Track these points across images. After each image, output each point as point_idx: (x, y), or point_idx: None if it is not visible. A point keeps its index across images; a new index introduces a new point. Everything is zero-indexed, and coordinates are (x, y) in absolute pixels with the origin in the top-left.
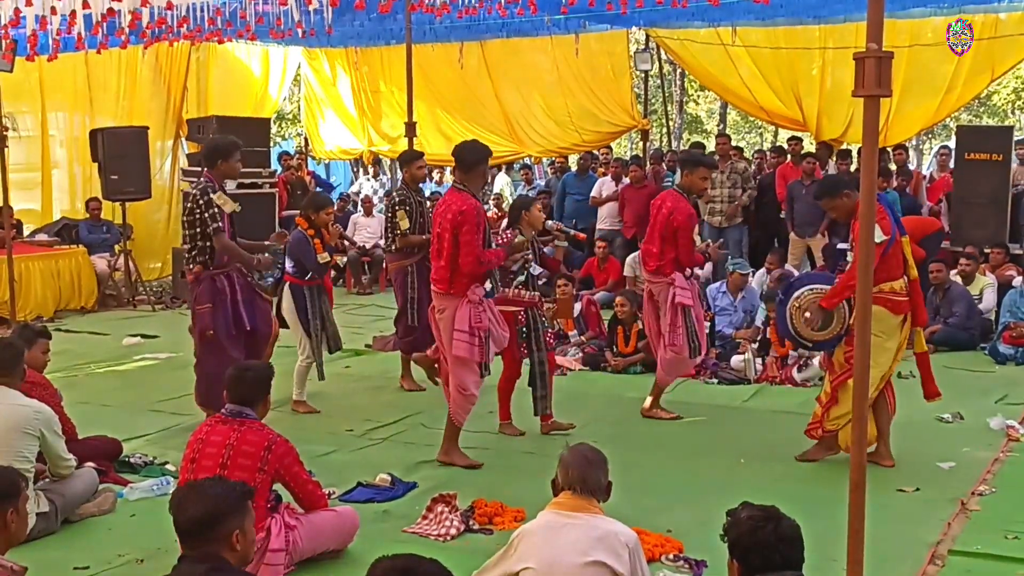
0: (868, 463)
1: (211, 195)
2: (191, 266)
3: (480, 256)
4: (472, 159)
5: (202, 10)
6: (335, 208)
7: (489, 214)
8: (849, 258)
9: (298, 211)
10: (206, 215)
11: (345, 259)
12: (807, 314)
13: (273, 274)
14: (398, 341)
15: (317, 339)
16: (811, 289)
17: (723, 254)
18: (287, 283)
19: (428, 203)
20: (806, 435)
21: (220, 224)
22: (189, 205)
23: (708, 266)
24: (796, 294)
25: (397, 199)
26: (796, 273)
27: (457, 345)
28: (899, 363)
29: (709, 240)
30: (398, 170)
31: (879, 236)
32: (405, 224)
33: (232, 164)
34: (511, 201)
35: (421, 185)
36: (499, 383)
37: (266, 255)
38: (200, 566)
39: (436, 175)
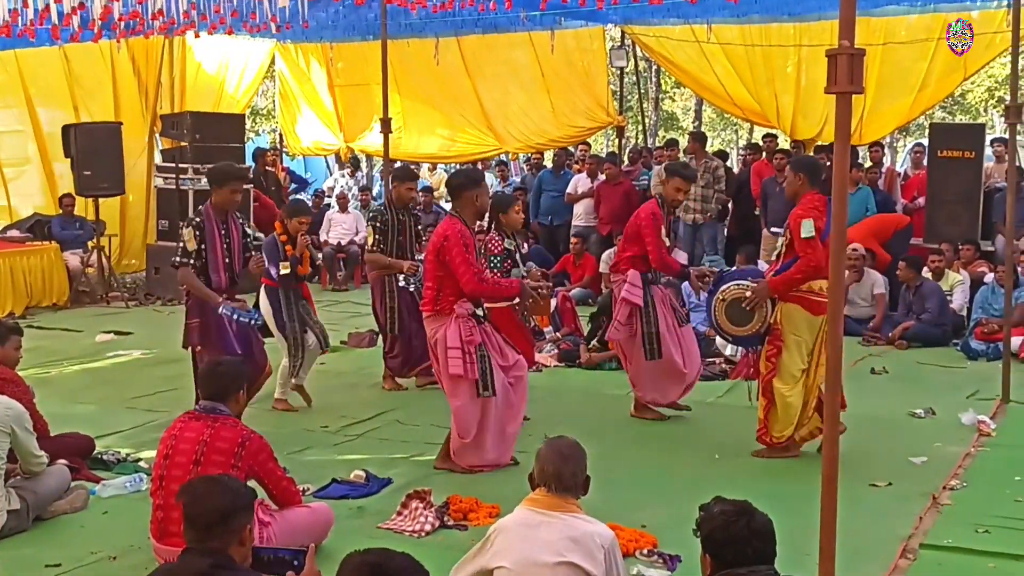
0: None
1: (183, 229)
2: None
3: (478, 274)
4: (455, 183)
5: (175, 3)
6: (311, 219)
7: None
8: (778, 244)
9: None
10: (181, 244)
11: (320, 255)
12: (747, 294)
13: (253, 320)
14: (386, 358)
15: (295, 341)
16: (737, 284)
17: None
18: (264, 286)
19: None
20: (757, 440)
21: (183, 260)
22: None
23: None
24: (723, 287)
25: (370, 215)
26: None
27: (451, 363)
28: (820, 364)
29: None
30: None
31: (809, 231)
32: (371, 240)
33: (223, 194)
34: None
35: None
36: None
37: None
38: (204, 560)
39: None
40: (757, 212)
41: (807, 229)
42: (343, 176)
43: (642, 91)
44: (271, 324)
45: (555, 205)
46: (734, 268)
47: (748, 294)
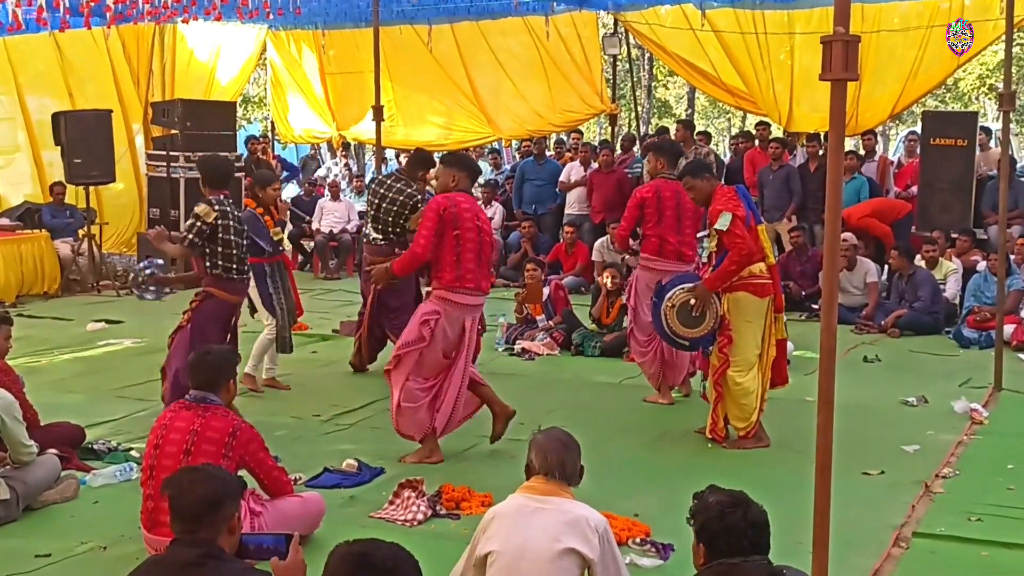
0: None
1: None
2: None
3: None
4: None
5: None
6: (280, 184)
7: None
8: (705, 244)
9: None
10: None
11: (312, 244)
12: (692, 300)
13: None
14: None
15: (283, 312)
16: (682, 288)
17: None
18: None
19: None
20: (713, 440)
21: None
22: None
23: None
24: (668, 294)
25: (419, 197)
26: None
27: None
28: (771, 345)
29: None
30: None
31: (725, 222)
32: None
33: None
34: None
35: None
36: None
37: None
38: (193, 550)
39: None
40: None
41: (723, 221)
42: (335, 164)
43: (635, 79)
44: (256, 300)
45: (539, 194)
46: (676, 276)
47: (693, 299)
